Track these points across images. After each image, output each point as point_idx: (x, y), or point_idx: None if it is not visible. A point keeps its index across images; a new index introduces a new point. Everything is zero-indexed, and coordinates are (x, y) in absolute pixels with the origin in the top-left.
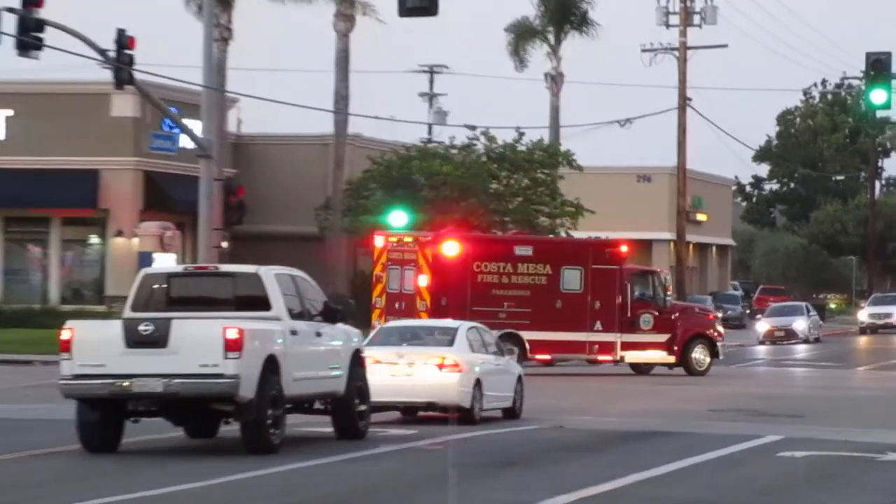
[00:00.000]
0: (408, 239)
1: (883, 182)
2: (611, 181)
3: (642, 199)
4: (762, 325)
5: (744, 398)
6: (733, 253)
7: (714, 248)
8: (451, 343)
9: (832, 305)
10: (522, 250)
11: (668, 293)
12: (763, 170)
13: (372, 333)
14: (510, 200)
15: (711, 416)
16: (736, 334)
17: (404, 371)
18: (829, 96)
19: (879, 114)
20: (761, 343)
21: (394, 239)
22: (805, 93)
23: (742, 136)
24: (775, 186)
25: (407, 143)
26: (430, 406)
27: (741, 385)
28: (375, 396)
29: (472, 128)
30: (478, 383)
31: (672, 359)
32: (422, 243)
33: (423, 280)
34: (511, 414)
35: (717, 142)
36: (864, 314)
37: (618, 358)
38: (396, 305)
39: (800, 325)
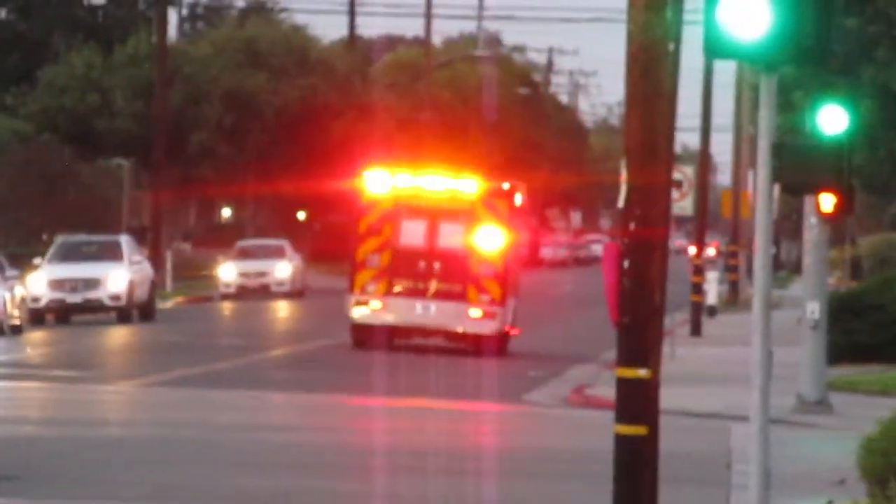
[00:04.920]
0: (459, 186)
1: (184, 12)
2: None
3: None
4: None
5: None
6: None
7: None
8: None
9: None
10: None
11: None
12: None
13: None
14: None
15: None
16: None
17: None
18: None
19: None
20: None
21: (412, 183)
22: None
23: None
24: None
25: None
26: None
27: None
28: None
29: None
30: None
31: None
32: (491, 193)
33: (492, 237)
34: None
35: None
36: (229, 270)
37: None
38: (420, 265)
39: None
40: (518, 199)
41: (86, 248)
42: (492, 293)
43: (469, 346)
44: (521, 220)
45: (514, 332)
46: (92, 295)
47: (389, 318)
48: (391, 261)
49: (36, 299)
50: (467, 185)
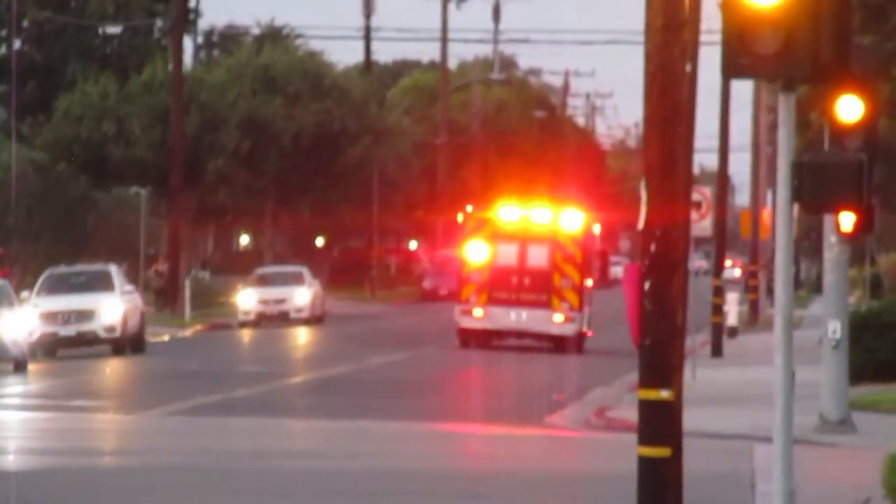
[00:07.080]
0: (544, 216)
1: (199, 39)
2: None
3: None
4: None
5: None
6: None
7: None
8: None
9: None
10: None
11: None
12: None
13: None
14: None
15: None
16: None
17: None
18: None
19: None
20: None
21: (505, 214)
22: None
23: None
24: None
25: None
26: None
27: None
28: None
29: None
30: None
31: None
32: (570, 222)
33: (570, 257)
34: None
35: None
36: (248, 297)
37: None
38: (513, 280)
39: None
40: (595, 228)
41: (74, 279)
42: (571, 302)
43: (553, 345)
44: (593, 244)
45: (589, 333)
46: (86, 327)
47: (489, 324)
48: (490, 277)
49: (28, 332)
50: (551, 215)
